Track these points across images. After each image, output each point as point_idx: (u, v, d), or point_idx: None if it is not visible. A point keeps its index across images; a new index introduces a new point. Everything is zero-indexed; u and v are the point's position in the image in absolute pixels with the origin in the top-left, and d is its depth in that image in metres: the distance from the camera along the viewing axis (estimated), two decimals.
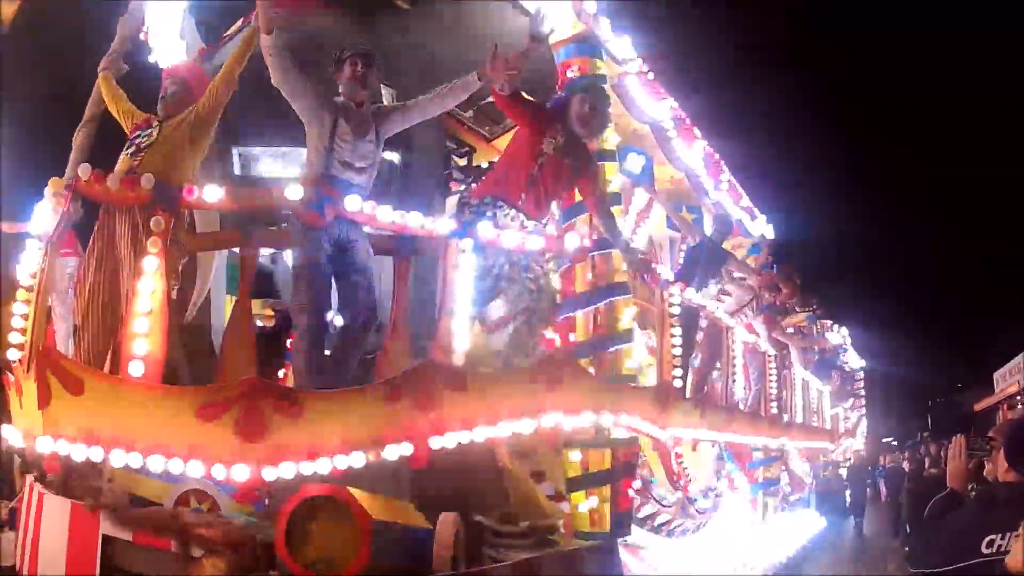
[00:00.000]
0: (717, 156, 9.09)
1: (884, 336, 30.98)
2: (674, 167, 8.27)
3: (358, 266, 4.62)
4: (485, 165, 8.22)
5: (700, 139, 8.53)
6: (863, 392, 23.61)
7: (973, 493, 4.02)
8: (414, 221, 4.54)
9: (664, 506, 7.10)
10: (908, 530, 5.48)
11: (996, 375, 30.28)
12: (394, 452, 3.70)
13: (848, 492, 19.75)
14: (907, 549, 4.39)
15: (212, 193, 4.39)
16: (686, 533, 7.86)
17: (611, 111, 5.49)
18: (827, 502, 17.17)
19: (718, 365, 8.41)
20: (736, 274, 9.00)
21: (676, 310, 6.12)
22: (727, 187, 9.41)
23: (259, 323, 6.78)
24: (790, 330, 16.22)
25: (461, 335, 4.34)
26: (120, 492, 4.19)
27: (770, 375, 10.31)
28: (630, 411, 5.13)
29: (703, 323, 8.09)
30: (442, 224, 4.63)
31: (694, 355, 8.46)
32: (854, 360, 22.36)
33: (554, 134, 4.99)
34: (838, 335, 20.52)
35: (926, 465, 12.96)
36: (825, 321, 19.61)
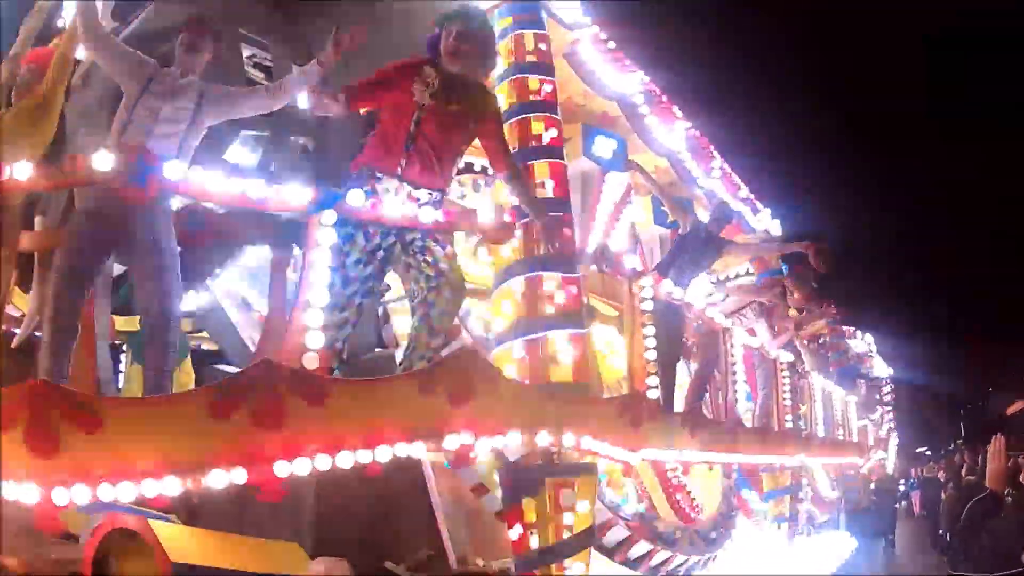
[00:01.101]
0: (705, 140, 8.07)
1: (910, 342, 29.61)
2: (652, 151, 7.27)
3: (146, 245, 3.70)
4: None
5: (681, 119, 7.52)
6: (891, 402, 22.40)
7: (1009, 498, 4.08)
8: (256, 191, 3.58)
9: (663, 541, 6.03)
10: (948, 538, 5.05)
11: None
12: (222, 479, 2.85)
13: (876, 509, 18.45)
14: (947, 555, 4.45)
15: (21, 171, 3.47)
16: (695, 570, 6.78)
17: (494, 42, 4.53)
18: (858, 522, 15.87)
19: (715, 374, 7.32)
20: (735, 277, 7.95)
21: (648, 306, 5.08)
22: (720, 175, 8.37)
23: None
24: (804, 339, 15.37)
25: (315, 331, 3.53)
26: None
27: (783, 385, 9.18)
28: (583, 429, 4.10)
29: (693, 324, 7.00)
30: (296, 194, 3.65)
31: (688, 363, 7.43)
32: (881, 368, 21.21)
33: (425, 78, 4.10)
34: (863, 342, 19.46)
35: (963, 473, 12.50)
36: (848, 328, 18.47)
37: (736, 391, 6.88)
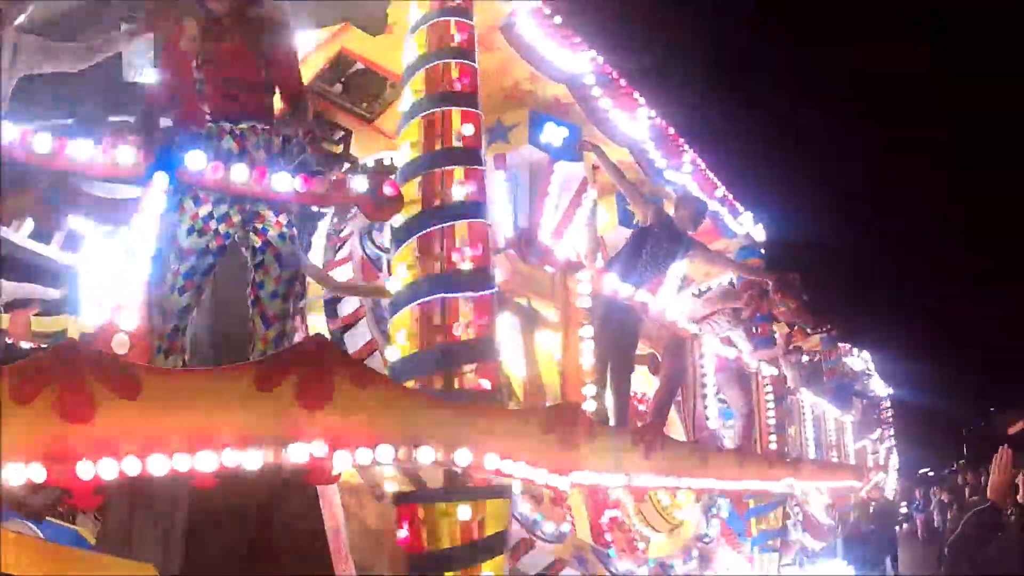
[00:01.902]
0: (674, 131, 7.33)
1: (910, 361, 28.76)
2: (611, 140, 6.53)
3: None
4: (373, 160, 6.49)
5: (644, 106, 6.78)
6: (891, 422, 21.57)
7: (1012, 515, 3.96)
8: (80, 151, 2.88)
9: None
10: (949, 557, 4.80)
11: None
12: (18, 474, 2.35)
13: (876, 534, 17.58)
14: (943, 568, 4.32)
15: None
16: None
17: None
18: (857, 548, 14.99)
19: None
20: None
21: (585, 303, 4.31)
22: (692, 171, 7.62)
23: None
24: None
25: (131, 310, 3.04)
26: None
27: (766, 402, 8.40)
28: (491, 445, 3.33)
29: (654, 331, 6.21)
30: (123, 154, 2.98)
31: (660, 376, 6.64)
32: (879, 387, 20.42)
33: (186, 28, 3.67)
34: (860, 360, 18.69)
35: (966, 494, 11.98)
36: (844, 345, 17.71)
37: (706, 406, 6.08)
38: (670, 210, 6.81)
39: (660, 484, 5.00)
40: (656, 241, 5.92)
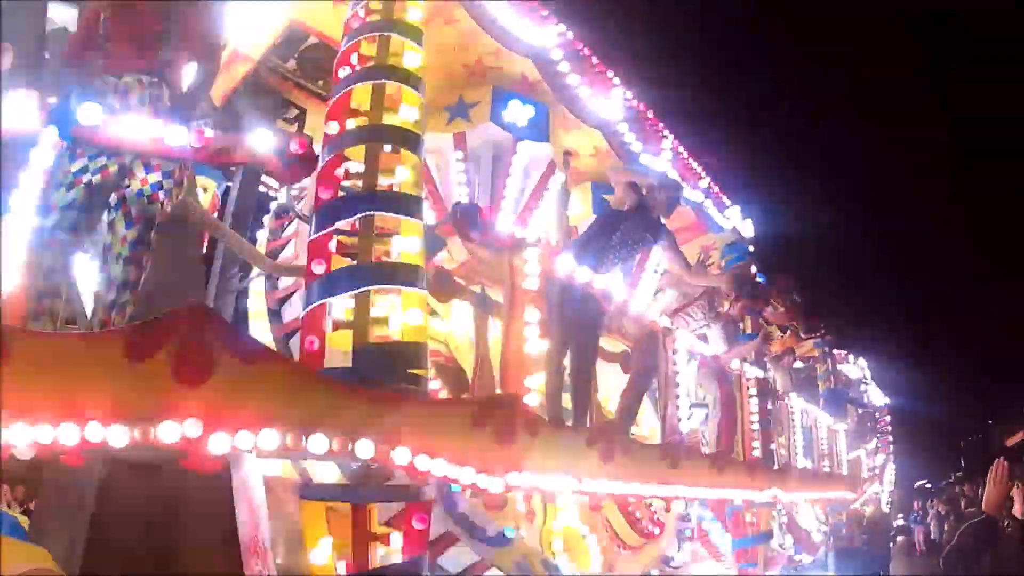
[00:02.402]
0: (653, 114, 6.88)
1: (908, 370, 28.23)
2: (581, 120, 6.07)
3: None
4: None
5: (619, 86, 6.33)
6: (888, 432, 21.08)
7: (1008, 527, 3.99)
8: None
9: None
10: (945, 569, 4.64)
11: None
12: None
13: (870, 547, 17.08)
14: None
15: None
16: None
17: None
18: (849, 562, 14.47)
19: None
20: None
21: (533, 284, 3.86)
22: (672, 158, 7.16)
23: None
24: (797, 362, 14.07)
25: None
26: None
27: (750, 405, 7.91)
28: (406, 438, 2.88)
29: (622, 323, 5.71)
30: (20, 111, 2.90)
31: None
32: (876, 396, 19.94)
33: None
34: (856, 367, 18.24)
35: (963, 506, 11.69)
36: (839, 351, 17.24)
37: (678, 406, 5.59)
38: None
39: (620, 491, 4.52)
40: (630, 227, 5.42)
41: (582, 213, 7.14)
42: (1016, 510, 4.14)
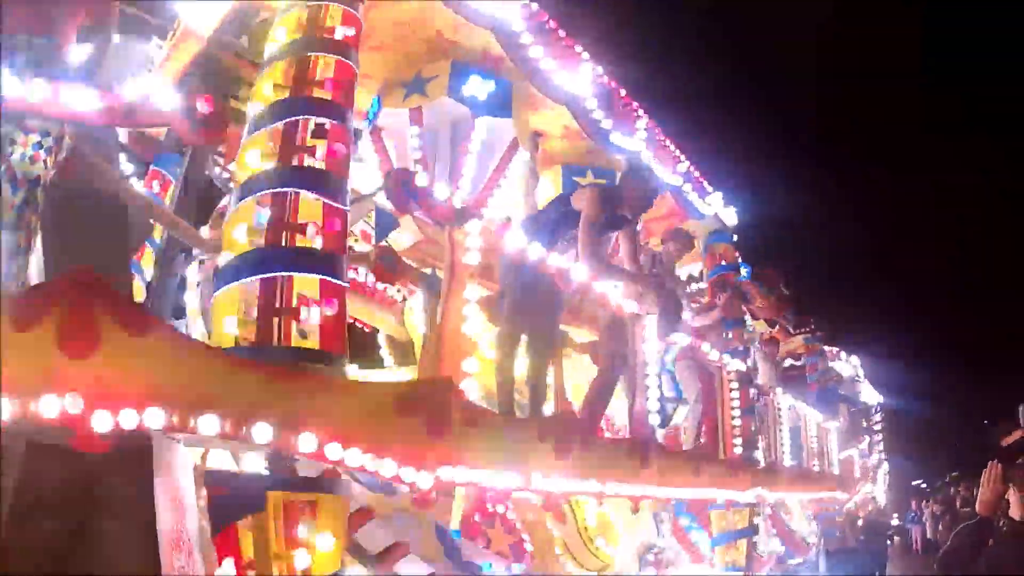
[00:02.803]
0: (625, 91, 6.50)
1: (902, 368, 27.90)
2: (546, 95, 5.71)
3: None
4: None
5: (589, 61, 5.96)
6: (881, 431, 20.79)
7: (1004, 527, 3.98)
8: None
9: None
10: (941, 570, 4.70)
11: (1021, 408, 28.10)
12: None
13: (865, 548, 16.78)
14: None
15: None
16: None
17: None
18: (842, 563, 14.14)
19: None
20: None
21: (473, 259, 3.51)
22: (647, 139, 6.78)
23: None
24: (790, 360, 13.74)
25: None
26: None
27: (731, 400, 7.56)
28: (315, 424, 2.55)
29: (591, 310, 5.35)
30: None
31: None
32: (870, 395, 19.64)
33: None
34: (848, 365, 17.95)
35: (958, 505, 11.52)
36: (831, 348, 16.93)
37: (647, 398, 5.23)
38: None
39: (576, 489, 4.16)
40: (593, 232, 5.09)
41: (552, 196, 6.78)
42: (1013, 512, 4.09)
